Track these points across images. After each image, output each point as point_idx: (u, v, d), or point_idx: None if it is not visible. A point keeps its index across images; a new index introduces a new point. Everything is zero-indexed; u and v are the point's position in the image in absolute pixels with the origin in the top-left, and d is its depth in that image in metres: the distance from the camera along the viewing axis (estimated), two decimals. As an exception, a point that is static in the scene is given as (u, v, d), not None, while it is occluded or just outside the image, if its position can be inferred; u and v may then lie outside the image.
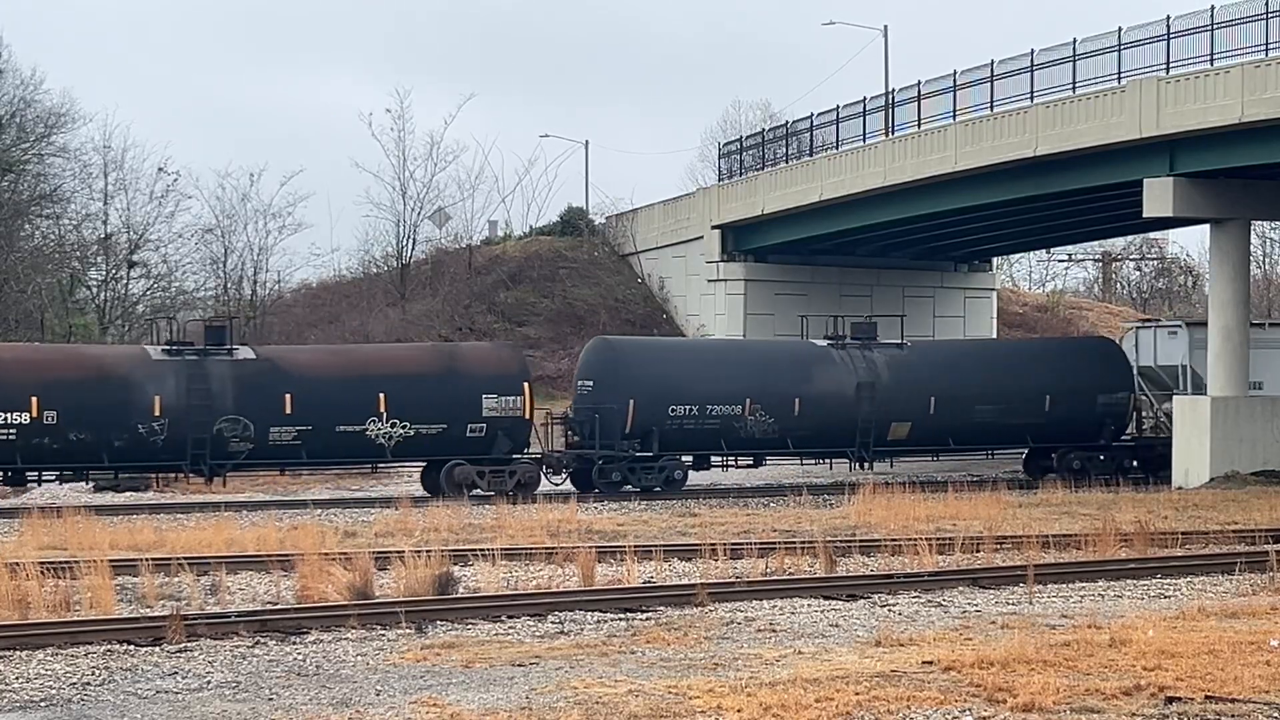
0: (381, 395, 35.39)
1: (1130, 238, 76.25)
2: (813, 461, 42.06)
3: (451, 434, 35.97)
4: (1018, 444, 42.18)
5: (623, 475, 37.34)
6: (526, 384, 36.89)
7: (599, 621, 18.01)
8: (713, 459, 39.54)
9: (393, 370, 36.30)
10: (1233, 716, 12.42)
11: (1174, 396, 41.54)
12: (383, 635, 16.99)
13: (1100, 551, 24.31)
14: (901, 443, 40.47)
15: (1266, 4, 37.56)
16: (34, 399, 32.97)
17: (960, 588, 20.74)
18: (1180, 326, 43.84)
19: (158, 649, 16.11)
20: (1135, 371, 43.17)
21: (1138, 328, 44.28)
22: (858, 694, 13.04)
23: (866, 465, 40.64)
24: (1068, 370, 42.37)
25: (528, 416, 36.72)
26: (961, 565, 22.99)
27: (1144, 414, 43.85)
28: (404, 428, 35.54)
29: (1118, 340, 44.19)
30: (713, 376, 38.63)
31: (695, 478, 40.03)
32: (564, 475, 37.88)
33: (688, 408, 37.94)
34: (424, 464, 37.15)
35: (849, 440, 39.73)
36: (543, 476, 37.13)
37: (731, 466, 40.47)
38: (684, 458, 38.52)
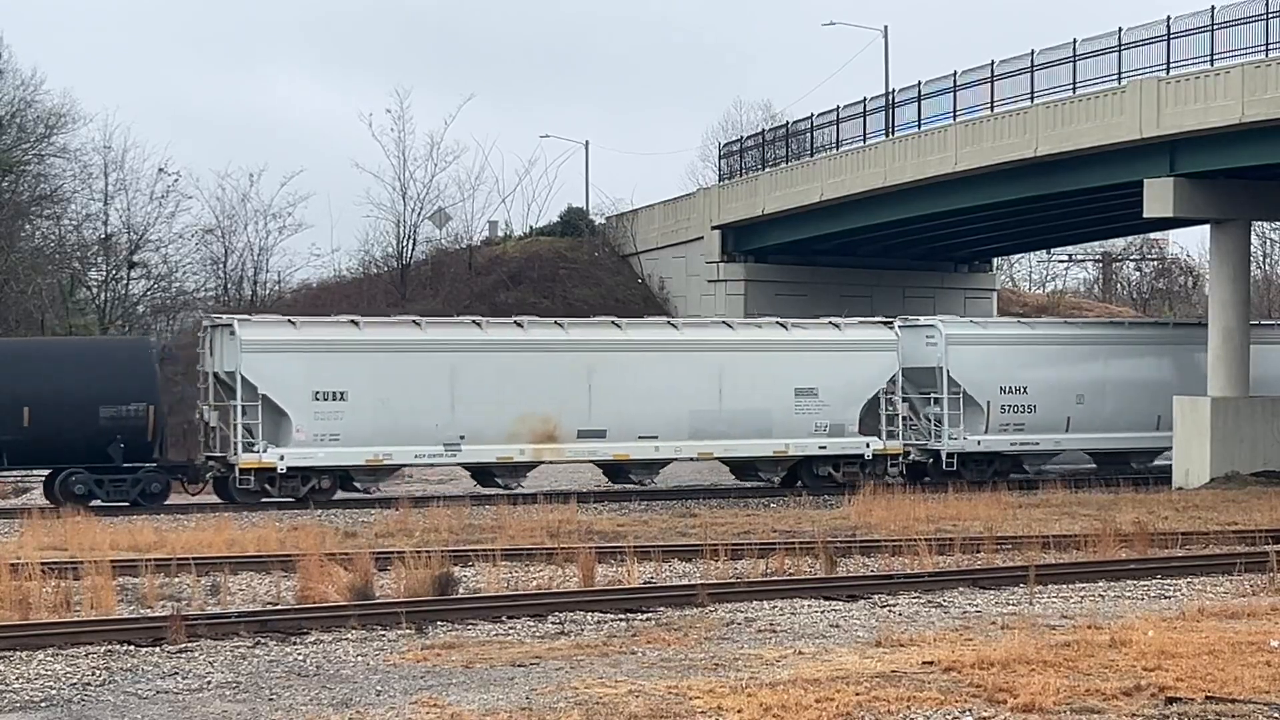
0: None
1: (1130, 238, 76.31)
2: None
3: None
4: None
5: None
6: None
7: (599, 622, 18.02)
8: None
9: None
10: (1233, 717, 12.42)
11: (1175, 397, 41.36)
12: (383, 635, 16.99)
13: (1100, 552, 24.31)
14: None
15: (1267, 4, 37.56)
16: None
17: (960, 588, 20.74)
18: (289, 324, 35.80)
19: (158, 649, 16.12)
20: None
21: (213, 325, 35.89)
22: (858, 694, 13.03)
23: None
24: (57, 377, 34.04)
25: None
26: (961, 566, 23.00)
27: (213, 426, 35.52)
28: None
29: (199, 337, 36.28)
30: None
31: (695, 478, 40.02)
32: None
33: None
34: None
35: None
36: None
37: None
38: None
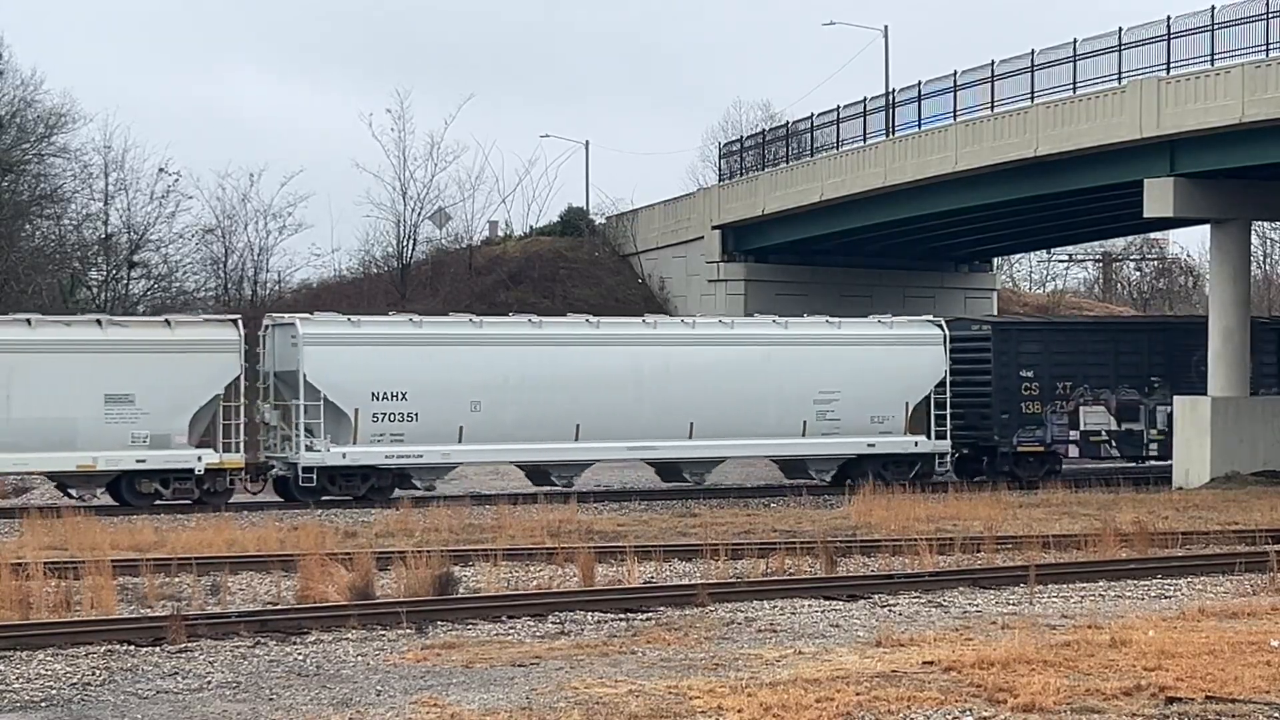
0: None
1: (1131, 238, 76.36)
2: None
3: None
4: None
5: None
6: None
7: (599, 622, 18.02)
8: None
9: None
10: (1233, 717, 12.42)
11: (1175, 397, 41.27)
12: (383, 635, 17.00)
13: (1100, 552, 24.32)
14: None
15: (1267, 4, 37.60)
16: None
17: (960, 588, 20.73)
18: None
19: (158, 649, 16.12)
20: None
21: None
22: (858, 694, 13.04)
23: None
24: None
25: None
26: (962, 565, 23.00)
27: None
28: None
29: None
30: None
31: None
32: None
33: None
34: None
35: None
36: None
37: None
38: None
